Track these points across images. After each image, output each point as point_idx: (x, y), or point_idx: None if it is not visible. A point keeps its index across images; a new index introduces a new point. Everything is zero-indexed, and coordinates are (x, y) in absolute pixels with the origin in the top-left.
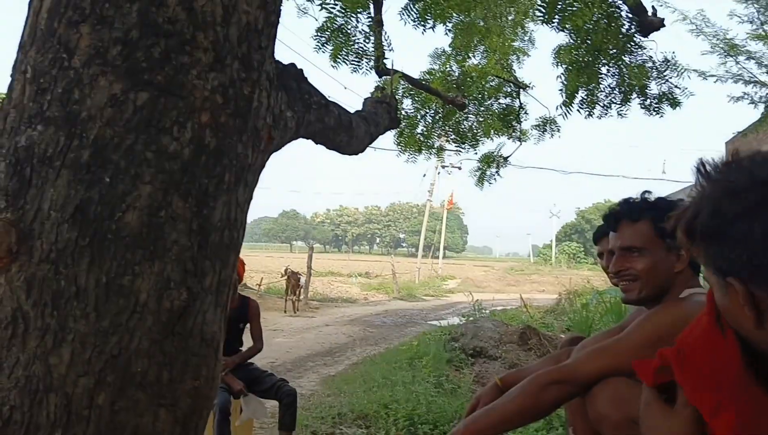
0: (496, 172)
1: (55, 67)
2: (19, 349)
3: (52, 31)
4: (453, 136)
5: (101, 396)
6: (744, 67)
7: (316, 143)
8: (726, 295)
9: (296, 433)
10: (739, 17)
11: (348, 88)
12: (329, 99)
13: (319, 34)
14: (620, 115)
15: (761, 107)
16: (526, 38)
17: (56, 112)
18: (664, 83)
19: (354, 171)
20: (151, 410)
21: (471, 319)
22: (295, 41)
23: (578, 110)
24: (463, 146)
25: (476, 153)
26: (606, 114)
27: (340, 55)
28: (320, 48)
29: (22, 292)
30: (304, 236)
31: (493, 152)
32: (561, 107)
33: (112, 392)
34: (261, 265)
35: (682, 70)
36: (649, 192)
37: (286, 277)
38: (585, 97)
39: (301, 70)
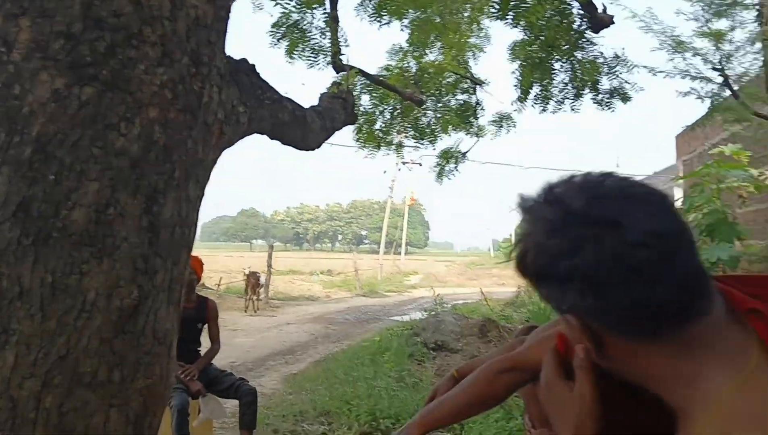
0: (455, 167)
1: None
2: None
3: None
4: (412, 132)
5: (48, 398)
6: (691, 64)
7: (271, 138)
8: (569, 329)
9: (258, 431)
10: (686, 15)
11: (306, 84)
12: (283, 95)
13: (274, 29)
14: (573, 109)
15: (707, 102)
16: (481, 35)
17: None
18: (615, 78)
19: (315, 168)
20: (102, 411)
21: (432, 313)
22: (253, 38)
23: (533, 105)
24: (422, 142)
25: (435, 148)
26: (560, 109)
27: (296, 50)
28: (276, 44)
29: None
30: (264, 235)
31: (451, 148)
32: (516, 102)
33: (60, 394)
34: (220, 264)
35: (632, 66)
36: None
37: (245, 277)
38: (539, 93)
39: (253, 66)
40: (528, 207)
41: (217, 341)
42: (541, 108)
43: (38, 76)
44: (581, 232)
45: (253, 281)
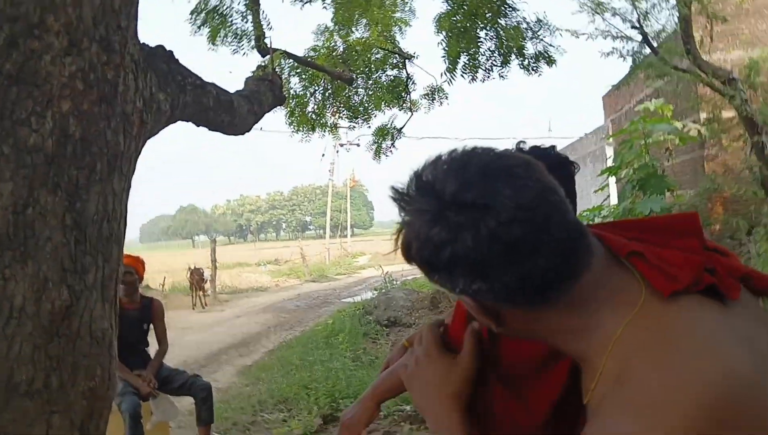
0: (392, 144)
1: None
2: None
3: None
4: (345, 112)
5: None
6: (611, 24)
7: (197, 125)
8: (468, 308)
9: (216, 426)
10: None
11: (234, 72)
12: (205, 80)
13: (193, 16)
14: (501, 76)
15: (629, 60)
16: (406, 8)
17: None
18: (540, 43)
19: (251, 160)
20: (43, 418)
21: (383, 291)
22: (171, 28)
23: (462, 75)
24: (356, 121)
25: (370, 127)
26: (488, 77)
27: (218, 37)
28: (197, 31)
29: None
30: (206, 230)
31: (386, 125)
32: (445, 73)
33: None
34: (163, 264)
35: (555, 30)
36: (523, 142)
37: (188, 274)
38: (467, 62)
39: (171, 52)
40: (403, 197)
41: (164, 341)
42: (470, 77)
43: None
44: (457, 220)
45: (197, 277)
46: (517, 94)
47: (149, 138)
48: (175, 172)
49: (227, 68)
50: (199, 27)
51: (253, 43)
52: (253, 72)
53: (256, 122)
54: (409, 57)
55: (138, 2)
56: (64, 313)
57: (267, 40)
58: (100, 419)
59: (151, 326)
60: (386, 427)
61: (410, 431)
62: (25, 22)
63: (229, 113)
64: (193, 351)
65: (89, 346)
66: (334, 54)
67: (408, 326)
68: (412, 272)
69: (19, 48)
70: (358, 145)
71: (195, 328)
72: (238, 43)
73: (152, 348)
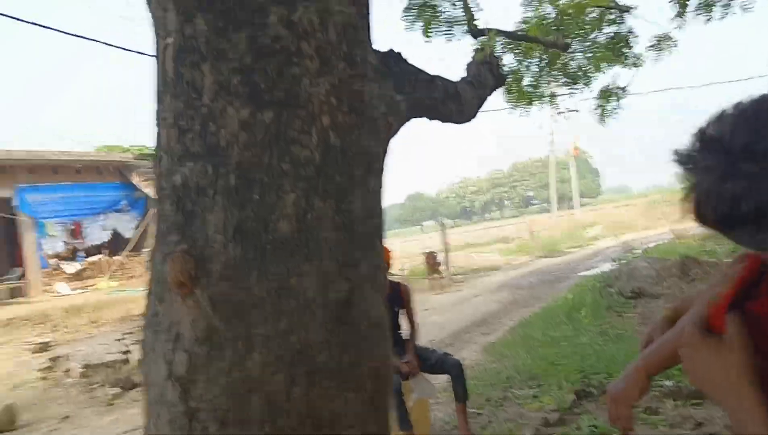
0: (617, 105)
1: (190, 108)
2: (218, 359)
3: (179, 76)
4: (563, 80)
5: (296, 389)
6: None
7: (430, 119)
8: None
9: (469, 401)
10: None
11: (443, 59)
12: (431, 74)
13: (406, 13)
14: (744, 9)
15: None
16: None
17: (199, 148)
18: None
19: (469, 141)
20: (341, 396)
21: (623, 261)
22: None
23: (696, 15)
24: (575, 87)
25: (591, 90)
26: (727, 13)
27: (431, 28)
28: (410, 27)
29: (209, 310)
30: (432, 215)
31: (609, 86)
32: (676, 18)
33: (304, 384)
34: (399, 250)
35: None
36: None
37: (424, 258)
38: (701, 1)
39: (400, 54)
40: (687, 158)
41: (415, 322)
42: (707, 17)
43: (226, 111)
44: (752, 170)
45: (431, 261)
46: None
47: (392, 138)
48: (400, 162)
49: (430, 56)
50: (412, 23)
51: (464, 27)
52: (472, 57)
53: (480, 106)
54: (628, 9)
55: (369, 14)
56: (345, 302)
57: (477, 23)
58: (385, 397)
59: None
60: (648, 402)
61: (675, 407)
62: (286, 53)
63: (456, 102)
64: (438, 331)
65: (369, 331)
66: (545, 22)
67: (656, 297)
68: (652, 239)
69: (284, 76)
70: (577, 111)
71: (436, 308)
72: (450, 30)
73: (402, 332)
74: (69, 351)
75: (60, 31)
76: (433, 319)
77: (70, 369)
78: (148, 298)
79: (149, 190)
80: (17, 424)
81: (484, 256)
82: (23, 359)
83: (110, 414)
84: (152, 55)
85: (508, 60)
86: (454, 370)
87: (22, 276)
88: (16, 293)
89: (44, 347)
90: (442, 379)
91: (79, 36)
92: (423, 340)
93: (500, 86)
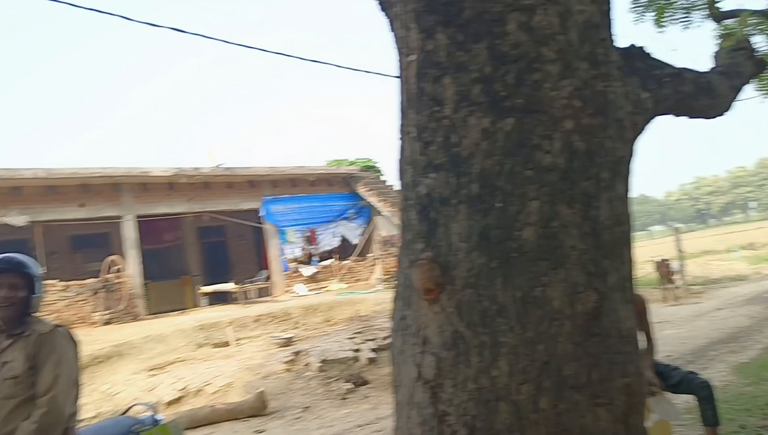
0: None
1: (432, 120)
2: (465, 365)
3: (421, 90)
4: None
5: (543, 400)
6: None
7: (677, 116)
8: None
9: (720, 428)
10: None
11: (676, 50)
12: (680, 67)
13: (635, 3)
14: None
15: None
16: None
17: (442, 159)
18: None
19: (701, 137)
20: (591, 410)
21: None
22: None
23: None
24: None
25: None
26: None
27: (664, 17)
28: (640, 18)
29: (455, 316)
30: (661, 219)
31: None
32: None
33: (552, 396)
34: None
35: None
36: None
37: (656, 267)
38: None
39: (643, 48)
40: None
41: (652, 337)
42: None
43: (468, 121)
44: None
45: (664, 269)
46: None
47: (638, 139)
48: None
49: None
50: (641, 14)
51: (704, 12)
52: (720, 44)
53: (736, 98)
54: None
55: (611, 11)
56: (593, 313)
57: (719, 5)
58: (638, 414)
59: None
60: None
61: None
62: (526, 60)
63: (709, 96)
64: (676, 346)
65: (619, 344)
66: None
67: None
68: None
69: (525, 83)
70: None
71: (672, 321)
72: (687, 16)
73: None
74: (308, 347)
75: (283, 55)
76: (669, 332)
77: (309, 363)
78: (396, 302)
79: (373, 200)
80: (268, 410)
81: (726, 265)
82: (271, 352)
83: (344, 407)
84: (395, 76)
85: (759, 41)
86: (704, 391)
87: (268, 278)
88: (263, 293)
89: (288, 342)
90: (682, 400)
91: (323, 62)
92: (660, 354)
93: (760, 72)
